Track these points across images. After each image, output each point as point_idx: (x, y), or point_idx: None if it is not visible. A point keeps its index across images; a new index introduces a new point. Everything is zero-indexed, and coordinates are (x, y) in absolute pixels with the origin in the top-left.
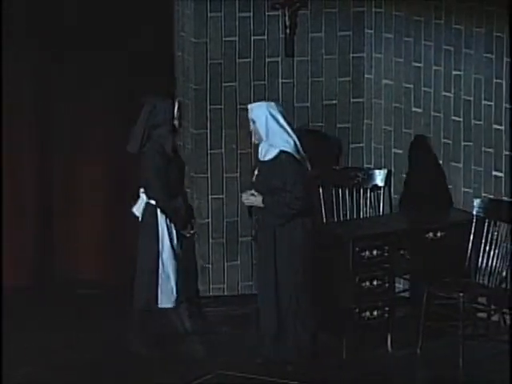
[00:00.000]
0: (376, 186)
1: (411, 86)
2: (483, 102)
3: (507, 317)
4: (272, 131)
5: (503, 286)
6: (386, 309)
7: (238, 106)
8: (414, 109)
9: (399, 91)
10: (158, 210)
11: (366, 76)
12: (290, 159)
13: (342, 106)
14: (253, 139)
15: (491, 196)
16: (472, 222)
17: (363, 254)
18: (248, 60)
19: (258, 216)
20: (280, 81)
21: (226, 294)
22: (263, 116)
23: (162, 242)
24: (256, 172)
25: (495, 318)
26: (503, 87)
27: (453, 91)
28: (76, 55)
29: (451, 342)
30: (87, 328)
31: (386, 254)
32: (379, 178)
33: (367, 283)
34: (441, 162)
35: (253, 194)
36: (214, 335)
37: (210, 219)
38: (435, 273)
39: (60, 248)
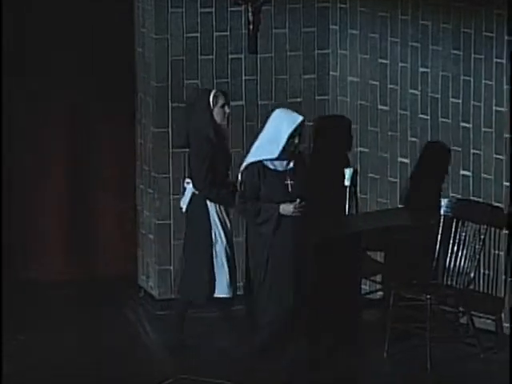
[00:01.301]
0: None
1: (377, 83)
2: (451, 100)
3: (475, 319)
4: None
5: (471, 287)
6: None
7: None
8: (380, 106)
9: (365, 88)
10: (207, 200)
11: (331, 73)
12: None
13: (307, 104)
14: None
15: (459, 196)
16: (440, 222)
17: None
18: (210, 57)
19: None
20: (243, 78)
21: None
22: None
23: (215, 232)
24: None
25: (463, 320)
26: (471, 84)
27: (420, 88)
28: (37, 53)
29: (419, 344)
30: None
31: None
32: (345, 177)
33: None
34: (407, 161)
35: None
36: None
37: (171, 220)
38: (402, 274)
39: (19, 247)
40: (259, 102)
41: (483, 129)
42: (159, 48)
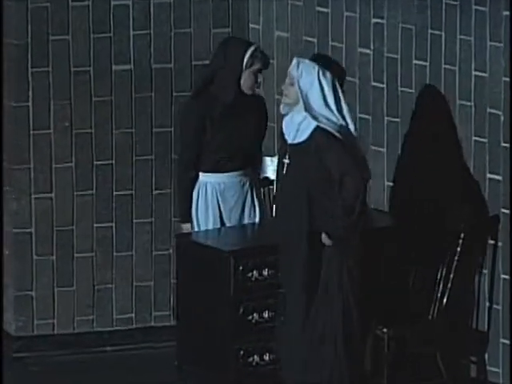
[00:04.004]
0: (267, 179)
1: (314, 39)
2: (414, 62)
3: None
4: (314, 105)
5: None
6: None
7: (73, 69)
8: None
9: (298, 47)
10: None
11: (250, 26)
12: (331, 140)
13: None
14: (283, 100)
15: None
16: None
17: (249, 274)
18: (85, 3)
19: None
20: (131, 33)
21: (56, 332)
22: (311, 79)
23: None
24: (286, 160)
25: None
26: (442, 40)
27: (372, 47)
28: None
29: None
30: None
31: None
32: (271, 168)
33: (255, 315)
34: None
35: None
36: None
37: (33, 228)
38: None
39: None
40: (153, 66)
41: (458, 101)
42: None
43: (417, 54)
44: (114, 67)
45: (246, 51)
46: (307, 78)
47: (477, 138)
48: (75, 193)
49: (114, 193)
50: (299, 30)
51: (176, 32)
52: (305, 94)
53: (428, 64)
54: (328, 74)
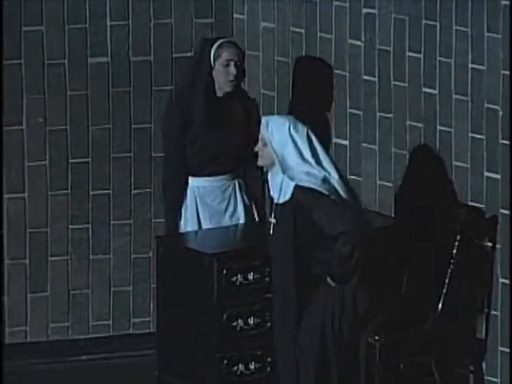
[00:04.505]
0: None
1: (302, 30)
2: (408, 54)
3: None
4: (291, 164)
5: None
6: (269, 360)
7: (46, 61)
8: None
9: (284, 38)
10: None
11: (235, 16)
12: (315, 196)
13: None
14: (259, 162)
15: None
16: None
17: (234, 278)
18: None
19: None
20: (108, 23)
21: (29, 340)
22: (283, 137)
23: None
24: (272, 220)
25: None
26: (437, 31)
27: (363, 38)
28: None
29: None
30: None
31: (267, 279)
32: None
33: (240, 322)
34: (346, 142)
35: None
36: None
37: (4, 230)
38: None
39: None
40: (131, 59)
41: (454, 96)
42: None
43: (410, 45)
44: (90, 60)
45: (213, 44)
46: (279, 136)
47: (474, 135)
48: (49, 193)
49: (91, 192)
50: (286, 20)
51: (156, 23)
52: (280, 154)
53: (422, 56)
54: (300, 126)
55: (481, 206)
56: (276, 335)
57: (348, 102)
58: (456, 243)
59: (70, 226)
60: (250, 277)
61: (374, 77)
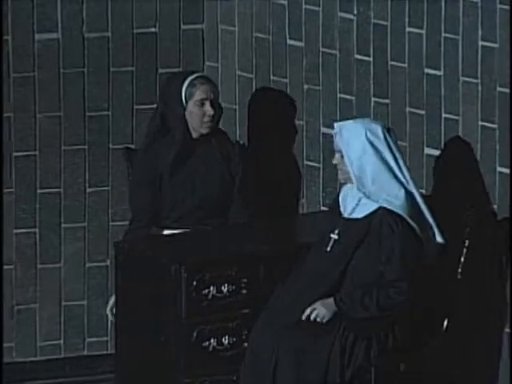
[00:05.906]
0: None
1: (284, 1)
2: (408, 30)
3: None
4: (372, 175)
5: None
6: None
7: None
8: (289, 41)
9: (264, 11)
10: None
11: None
12: (398, 222)
13: (168, 35)
14: (339, 176)
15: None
16: None
17: (205, 291)
18: None
19: None
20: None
21: None
22: (359, 146)
23: None
24: (334, 236)
25: None
26: (442, 3)
27: (355, 11)
28: None
29: None
30: None
31: (244, 292)
32: None
33: (212, 342)
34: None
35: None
36: None
37: None
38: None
39: None
40: (85, 35)
41: (462, 78)
42: None
43: (411, 20)
44: (36, 36)
45: (183, 82)
46: (355, 144)
47: (484, 123)
48: None
49: (38, 191)
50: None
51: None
52: (356, 168)
53: (424, 32)
54: (377, 128)
55: (492, 206)
56: None
57: (338, 85)
58: (464, 249)
59: (14, 231)
60: (224, 289)
61: (369, 56)
